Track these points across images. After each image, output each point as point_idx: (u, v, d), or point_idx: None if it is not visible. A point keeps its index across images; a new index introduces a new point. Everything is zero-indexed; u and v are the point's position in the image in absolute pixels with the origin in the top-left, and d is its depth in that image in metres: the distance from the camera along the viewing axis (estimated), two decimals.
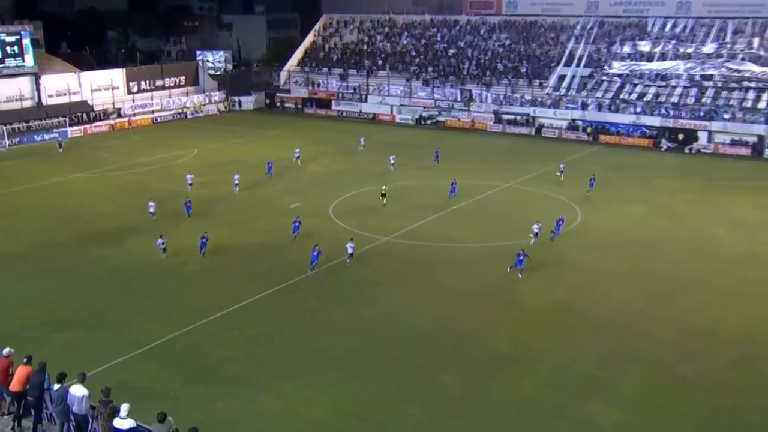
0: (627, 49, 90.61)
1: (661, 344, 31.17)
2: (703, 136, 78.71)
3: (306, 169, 65.61)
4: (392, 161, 65.33)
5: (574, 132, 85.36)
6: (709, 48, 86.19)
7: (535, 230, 43.71)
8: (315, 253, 38.97)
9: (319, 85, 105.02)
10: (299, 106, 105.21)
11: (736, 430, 24.96)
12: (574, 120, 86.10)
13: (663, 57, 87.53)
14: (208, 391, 26.82)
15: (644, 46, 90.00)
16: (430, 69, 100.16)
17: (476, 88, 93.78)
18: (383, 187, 53.08)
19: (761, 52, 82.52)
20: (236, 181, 56.74)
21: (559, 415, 25.54)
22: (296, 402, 26.35)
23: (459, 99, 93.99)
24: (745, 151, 76.27)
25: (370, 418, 25.49)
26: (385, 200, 52.29)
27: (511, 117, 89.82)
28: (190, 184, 56.15)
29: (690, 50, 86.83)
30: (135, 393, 24.15)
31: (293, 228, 44.31)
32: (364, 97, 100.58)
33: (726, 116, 78.35)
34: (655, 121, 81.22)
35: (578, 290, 37.26)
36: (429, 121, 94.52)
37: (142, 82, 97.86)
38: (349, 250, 39.98)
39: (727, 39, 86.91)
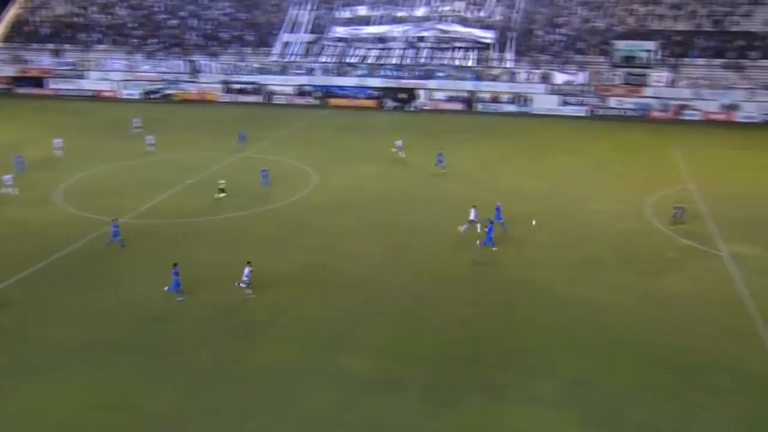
0: (347, 14, 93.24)
1: (401, 292, 32.81)
2: (422, 94, 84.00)
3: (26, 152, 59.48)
4: (150, 141, 60.22)
5: (303, 97, 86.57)
6: (421, 12, 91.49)
7: (472, 216, 40.49)
8: None
9: (30, 62, 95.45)
10: (8, 87, 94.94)
11: (471, 360, 27.08)
12: (302, 85, 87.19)
13: (381, 21, 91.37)
14: None
15: (362, 11, 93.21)
16: (152, 41, 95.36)
17: (202, 59, 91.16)
18: (220, 182, 47.53)
19: (467, 14, 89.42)
20: None
21: (313, 373, 25.91)
22: (36, 402, 23.98)
23: (185, 70, 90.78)
24: (459, 106, 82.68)
25: (124, 406, 23.98)
26: (222, 195, 46.50)
27: (241, 86, 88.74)
28: None
29: (404, 14, 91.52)
30: None
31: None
32: (83, 73, 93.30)
33: (441, 75, 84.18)
34: (378, 82, 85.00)
35: (322, 251, 37.92)
36: (156, 95, 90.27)
37: None
38: (244, 276, 32.62)
39: (436, 3, 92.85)
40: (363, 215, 43.93)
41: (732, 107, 77.14)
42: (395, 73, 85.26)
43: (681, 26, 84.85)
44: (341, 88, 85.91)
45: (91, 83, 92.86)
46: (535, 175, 52.81)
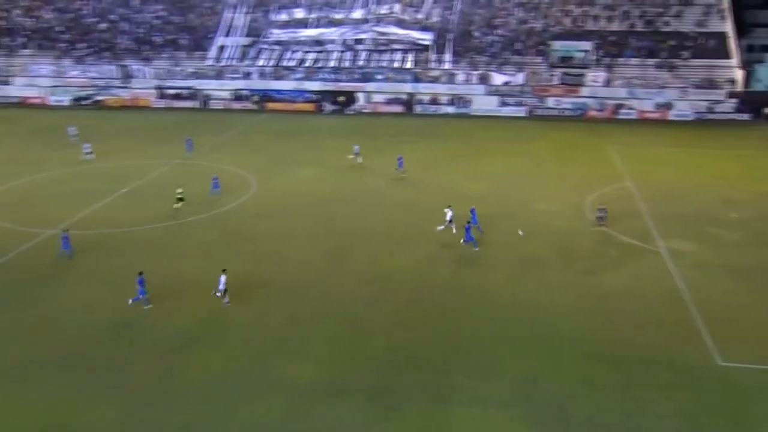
0: (284, 17, 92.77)
1: (343, 297, 32.70)
2: (361, 97, 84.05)
3: None
4: (87, 149, 58.17)
5: (240, 102, 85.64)
6: (358, 14, 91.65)
7: (448, 217, 40.60)
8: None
9: None
10: None
11: (415, 363, 27.09)
12: (238, 90, 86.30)
13: (318, 24, 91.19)
14: None
15: (299, 14, 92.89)
16: (81, 45, 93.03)
17: (135, 64, 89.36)
18: (178, 191, 45.72)
19: (404, 16, 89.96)
20: None
21: (255, 382, 25.57)
22: None
23: (117, 76, 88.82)
24: (398, 108, 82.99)
25: (58, 426, 23.23)
26: (179, 204, 45.01)
27: (176, 91, 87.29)
28: None
29: (341, 17, 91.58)
30: None
31: None
32: (8, 79, 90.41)
33: (379, 77, 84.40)
34: (316, 85, 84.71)
35: (262, 257, 37.52)
36: (87, 102, 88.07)
37: None
38: (221, 285, 32.00)
39: (373, 6, 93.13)
40: (304, 220, 43.63)
41: (666, 106, 79.35)
42: (333, 76, 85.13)
43: (615, 27, 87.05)
44: (279, 92, 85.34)
45: (16, 89, 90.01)
46: (476, 176, 53.36)
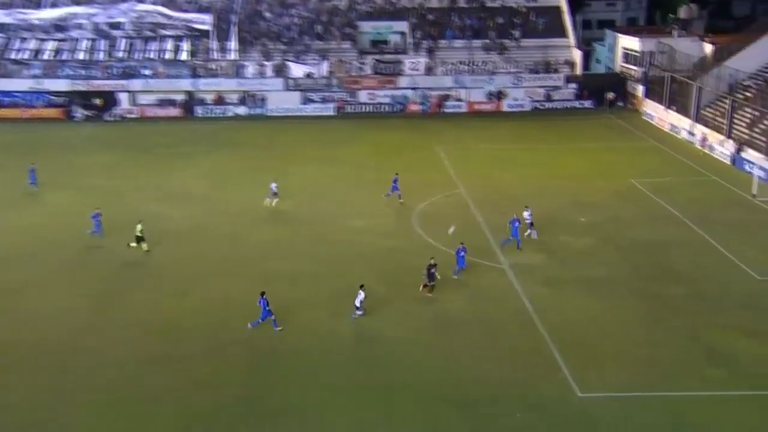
0: None
1: (117, 355, 31.69)
2: (124, 99, 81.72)
3: None
4: None
5: None
6: None
7: (528, 219, 45.04)
8: None
9: None
10: None
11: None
12: None
13: (57, 2, 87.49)
14: None
15: None
16: None
17: None
18: (137, 227, 42.85)
19: None
20: None
21: None
22: None
23: None
24: (175, 112, 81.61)
25: None
26: (144, 246, 42.68)
27: None
28: None
29: None
30: None
31: None
32: None
33: (146, 72, 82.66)
34: (62, 84, 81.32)
35: None
36: None
37: None
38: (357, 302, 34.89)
39: None
40: (47, 262, 41.85)
41: (499, 95, 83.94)
42: (84, 72, 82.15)
43: (434, 3, 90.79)
44: (7, 94, 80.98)
45: None
46: (280, 192, 53.48)
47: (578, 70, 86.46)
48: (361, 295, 34.43)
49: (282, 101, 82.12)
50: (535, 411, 27.94)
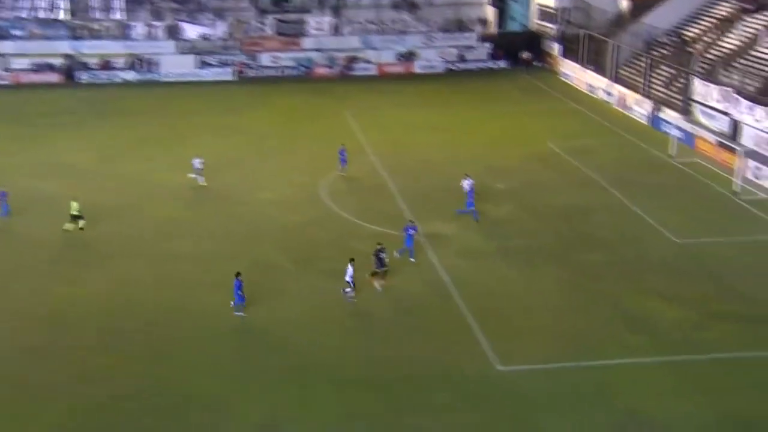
0: None
1: None
2: None
3: None
4: None
5: None
6: None
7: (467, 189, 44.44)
8: None
9: None
10: None
11: (113, 429, 26.36)
12: None
13: None
14: None
15: None
16: None
17: None
18: (73, 205, 41.81)
19: None
20: None
21: None
22: None
23: None
24: (53, 77, 79.51)
25: None
26: (81, 224, 41.79)
27: None
28: None
29: None
30: None
31: None
32: None
33: (18, 33, 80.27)
34: None
35: None
36: None
37: None
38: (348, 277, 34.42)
39: None
40: None
41: (409, 56, 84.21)
42: None
43: None
44: None
45: None
46: (172, 164, 52.62)
47: (493, 29, 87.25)
48: (350, 270, 34.15)
49: (175, 65, 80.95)
50: (453, 387, 28.23)
